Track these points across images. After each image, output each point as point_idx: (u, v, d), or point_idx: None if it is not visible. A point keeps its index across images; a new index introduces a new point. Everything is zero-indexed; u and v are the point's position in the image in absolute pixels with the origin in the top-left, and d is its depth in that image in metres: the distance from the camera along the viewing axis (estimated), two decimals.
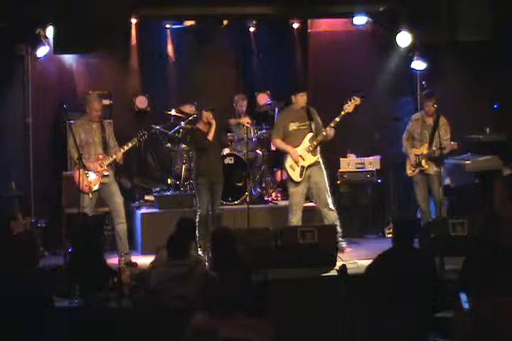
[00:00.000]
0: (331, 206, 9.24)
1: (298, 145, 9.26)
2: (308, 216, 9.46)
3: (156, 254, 6.44)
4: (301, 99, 9.26)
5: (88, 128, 8.85)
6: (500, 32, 9.69)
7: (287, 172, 9.31)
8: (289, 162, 9.27)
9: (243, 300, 4.96)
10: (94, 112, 8.82)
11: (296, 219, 9.22)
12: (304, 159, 9.22)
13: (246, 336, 4.69)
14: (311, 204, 9.54)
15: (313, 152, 9.25)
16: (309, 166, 9.23)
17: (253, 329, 4.72)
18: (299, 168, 9.23)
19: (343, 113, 9.11)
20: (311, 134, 9.26)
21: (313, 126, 9.26)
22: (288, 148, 9.25)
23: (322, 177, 9.28)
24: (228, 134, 10.51)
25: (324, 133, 9.15)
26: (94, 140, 8.83)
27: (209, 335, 4.71)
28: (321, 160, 9.33)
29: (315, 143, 9.21)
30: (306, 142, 9.26)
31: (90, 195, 8.70)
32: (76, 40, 8.73)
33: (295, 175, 9.24)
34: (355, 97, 9.14)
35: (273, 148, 9.35)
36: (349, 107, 9.12)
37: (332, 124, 9.11)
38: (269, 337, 4.74)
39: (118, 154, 8.83)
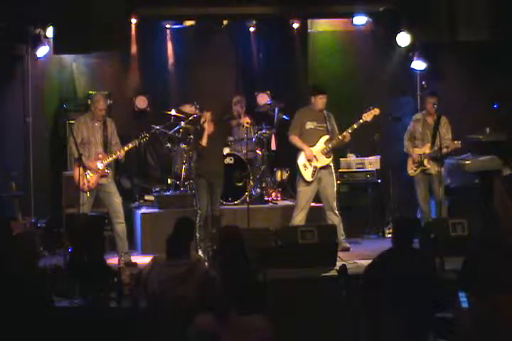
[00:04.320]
0: (337, 211, 9.29)
1: (313, 145, 9.29)
2: (312, 216, 9.47)
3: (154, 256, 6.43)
4: (320, 102, 9.29)
5: (90, 126, 8.83)
6: (500, 32, 9.68)
7: (299, 171, 9.32)
8: (302, 160, 9.29)
9: (244, 300, 4.97)
10: (99, 111, 8.81)
11: (300, 217, 9.24)
12: (317, 160, 9.25)
13: (246, 335, 4.69)
14: (317, 204, 9.57)
15: (327, 154, 9.28)
16: (321, 168, 9.26)
17: (253, 329, 4.73)
18: (312, 167, 9.25)
19: (361, 121, 9.21)
20: (327, 136, 9.30)
21: (329, 129, 9.30)
22: (304, 146, 9.28)
23: (332, 182, 9.34)
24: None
25: (340, 137, 9.19)
26: (95, 139, 8.82)
27: (211, 335, 4.71)
28: (332, 164, 9.37)
29: (330, 145, 9.26)
30: (321, 143, 9.30)
31: (88, 193, 8.69)
32: (76, 40, 8.73)
33: (307, 174, 9.26)
34: (374, 107, 9.20)
35: (291, 140, 9.33)
36: (368, 116, 9.22)
37: (349, 130, 9.18)
38: (269, 335, 4.74)
39: (121, 152, 8.82)
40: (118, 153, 8.80)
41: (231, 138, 10.56)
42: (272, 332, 4.76)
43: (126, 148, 8.84)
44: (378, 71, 10.86)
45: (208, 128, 9.17)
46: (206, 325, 4.79)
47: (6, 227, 8.32)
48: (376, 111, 9.26)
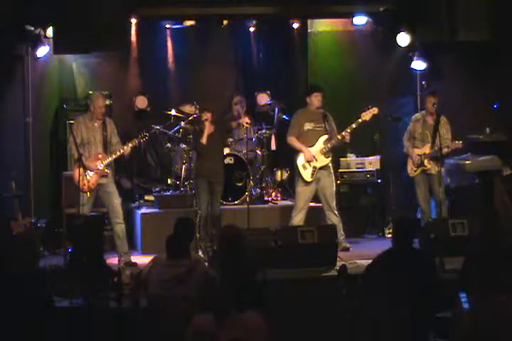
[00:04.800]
0: (336, 211, 9.29)
1: (311, 146, 9.30)
2: (311, 216, 9.47)
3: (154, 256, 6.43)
4: (315, 100, 9.31)
5: (90, 126, 8.84)
6: (500, 32, 9.68)
7: (298, 171, 9.33)
8: (301, 161, 9.29)
9: (243, 299, 4.96)
10: (98, 109, 8.82)
11: (299, 218, 9.24)
12: (316, 160, 9.25)
13: (239, 333, 4.69)
14: (316, 204, 9.57)
15: (326, 154, 9.29)
16: (320, 168, 9.27)
17: (246, 326, 4.73)
18: (311, 168, 9.25)
19: (360, 120, 9.22)
20: (325, 136, 9.31)
21: (328, 129, 9.30)
22: (302, 147, 9.29)
23: (331, 182, 9.35)
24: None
25: (339, 137, 9.19)
26: (95, 139, 8.83)
27: (210, 335, 4.71)
28: (330, 165, 9.38)
29: (329, 145, 9.27)
30: (320, 143, 9.30)
31: (88, 194, 8.69)
32: (76, 40, 8.73)
33: (306, 175, 9.26)
34: (373, 107, 9.22)
35: (289, 141, 9.36)
36: (366, 115, 9.23)
37: (348, 130, 9.19)
38: (263, 331, 4.74)
39: (127, 148, 8.80)
40: (122, 150, 8.78)
41: (230, 139, 10.56)
42: (267, 328, 4.77)
43: (130, 145, 8.82)
44: (378, 71, 10.85)
45: (208, 128, 9.18)
46: (204, 325, 4.79)
47: (6, 227, 8.33)
48: (375, 111, 9.27)
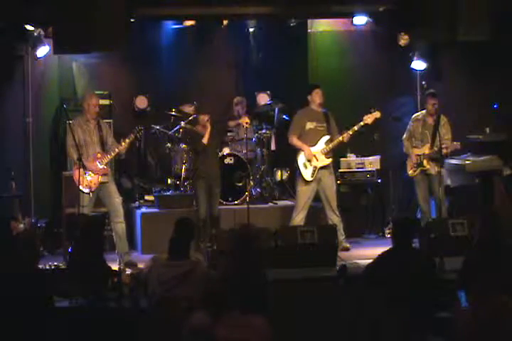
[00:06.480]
0: (337, 211, 9.30)
1: (313, 145, 9.32)
2: (312, 216, 9.47)
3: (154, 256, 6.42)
4: (316, 96, 9.37)
5: (86, 127, 8.86)
6: (500, 32, 9.68)
7: (299, 171, 9.35)
8: (302, 160, 9.31)
9: (249, 300, 4.96)
10: (93, 108, 8.84)
11: (299, 218, 9.26)
12: (317, 159, 9.26)
13: (244, 335, 4.69)
14: (317, 204, 9.57)
15: (327, 154, 9.31)
16: (321, 168, 9.28)
17: (251, 328, 4.72)
18: (312, 167, 9.27)
19: (362, 123, 9.25)
20: (327, 137, 9.32)
21: (329, 129, 9.32)
22: (303, 146, 9.31)
23: (332, 182, 9.37)
24: (228, 134, 10.55)
25: (341, 138, 9.21)
26: (92, 139, 8.85)
27: (207, 334, 4.71)
28: (331, 165, 9.39)
29: (330, 146, 9.28)
30: (321, 143, 9.33)
31: (90, 194, 8.70)
32: (76, 40, 8.73)
33: (307, 174, 9.28)
34: (376, 110, 9.23)
35: (291, 141, 9.40)
36: (369, 119, 9.27)
37: (350, 132, 9.24)
38: (267, 335, 4.73)
39: (122, 146, 8.80)
40: (117, 149, 8.79)
41: (229, 135, 10.56)
42: (270, 330, 4.76)
43: (127, 140, 8.83)
44: (378, 71, 10.86)
45: (208, 129, 9.19)
46: (201, 323, 4.79)
47: (6, 227, 8.33)
48: (377, 114, 9.31)
